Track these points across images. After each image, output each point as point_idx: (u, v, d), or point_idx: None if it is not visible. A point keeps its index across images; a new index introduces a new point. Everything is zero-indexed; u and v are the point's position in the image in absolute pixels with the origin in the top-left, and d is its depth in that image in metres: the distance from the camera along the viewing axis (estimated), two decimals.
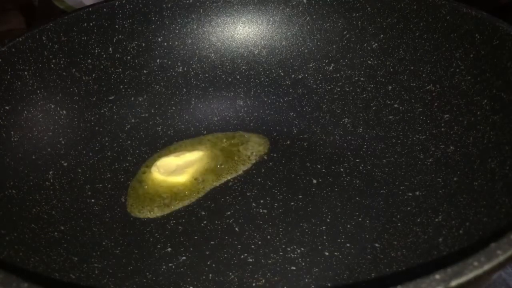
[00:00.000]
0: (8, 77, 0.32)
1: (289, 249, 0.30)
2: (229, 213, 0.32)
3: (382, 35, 0.36)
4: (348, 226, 0.31)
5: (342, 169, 0.35)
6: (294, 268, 0.28)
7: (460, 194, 0.28)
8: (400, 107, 0.35)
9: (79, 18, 0.35)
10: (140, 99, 0.39)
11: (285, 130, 0.39)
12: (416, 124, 0.34)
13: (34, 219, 0.29)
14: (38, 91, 0.33)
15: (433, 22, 0.33)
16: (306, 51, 0.40)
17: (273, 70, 0.40)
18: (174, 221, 0.32)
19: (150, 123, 0.39)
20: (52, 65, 0.34)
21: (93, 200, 0.33)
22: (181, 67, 0.40)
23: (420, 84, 0.34)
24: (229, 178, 0.35)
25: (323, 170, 0.35)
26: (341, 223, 0.31)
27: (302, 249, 0.29)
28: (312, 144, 0.37)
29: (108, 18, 0.37)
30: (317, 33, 0.39)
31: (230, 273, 0.28)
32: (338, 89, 0.38)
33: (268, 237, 0.30)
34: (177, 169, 0.35)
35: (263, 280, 0.28)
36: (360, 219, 0.31)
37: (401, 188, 0.32)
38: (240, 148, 0.37)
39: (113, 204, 0.33)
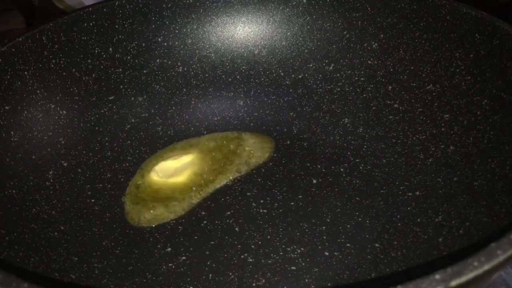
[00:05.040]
0: (8, 77, 0.32)
1: (289, 249, 0.30)
2: (229, 213, 0.32)
3: (382, 35, 0.36)
4: (348, 226, 0.31)
5: (342, 169, 0.35)
6: (294, 268, 0.28)
7: (460, 194, 0.28)
8: (400, 107, 0.35)
9: (79, 18, 0.35)
10: (140, 99, 0.39)
11: (285, 130, 0.39)
12: (416, 124, 0.34)
13: (34, 219, 0.29)
14: (38, 91, 0.33)
15: (433, 22, 0.33)
16: (306, 51, 0.40)
17: (273, 70, 0.40)
18: (174, 221, 0.32)
19: (150, 123, 0.39)
20: (52, 65, 0.34)
21: (93, 200, 0.33)
22: (181, 67, 0.40)
23: (420, 84, 0.34)
24: (229, 178, 0.35)
25: (323, 170, 0.35)
26: (341, 223, 0.31)
27: (302, 249, 0.29)
28: (312, 144, 0.37)
29: (108, 18, 0.37)
30: (317, 33, 0.39)
31: (230, 273, 0.28)
32: (338, 89, 0.38)
33: (268, 237, 0.30)
34: (175, 172, 0.35)
35: (263, 280, 0.28)
36: (360, 219, 0.31)
37: (401, 188, 0.32)
38: (240, 148, 0.37)
39: (113, 204, 0.33)
